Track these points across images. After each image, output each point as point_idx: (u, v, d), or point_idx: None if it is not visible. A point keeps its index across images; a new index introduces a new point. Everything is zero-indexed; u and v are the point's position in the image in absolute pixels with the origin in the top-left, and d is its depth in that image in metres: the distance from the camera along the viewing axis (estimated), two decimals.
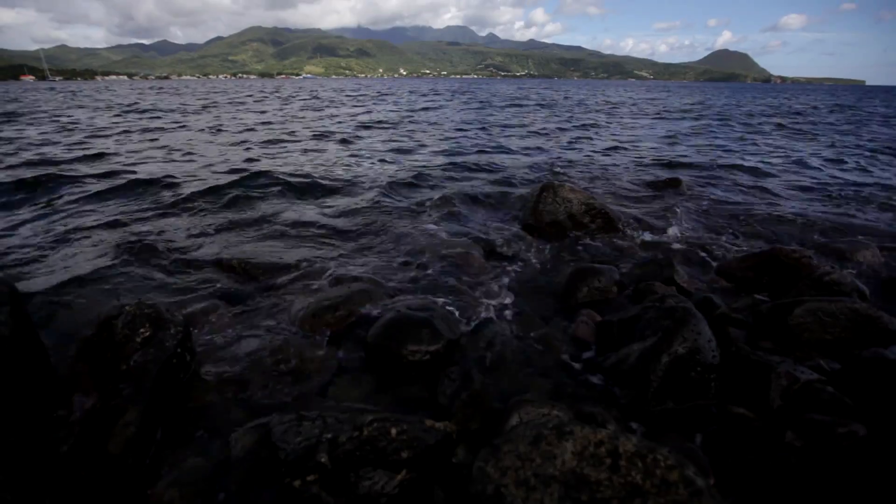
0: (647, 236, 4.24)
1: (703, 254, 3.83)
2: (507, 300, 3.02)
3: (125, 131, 11.83)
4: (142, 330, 2.26)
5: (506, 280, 3.29)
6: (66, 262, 3.55)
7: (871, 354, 2.12)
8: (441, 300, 2.93)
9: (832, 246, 3.91)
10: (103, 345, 2.16)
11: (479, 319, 2.76)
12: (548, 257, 3.72)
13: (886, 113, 22.03)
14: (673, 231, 4.38)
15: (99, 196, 5.43)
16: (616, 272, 3.36)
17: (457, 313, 2.78)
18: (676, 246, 4.00)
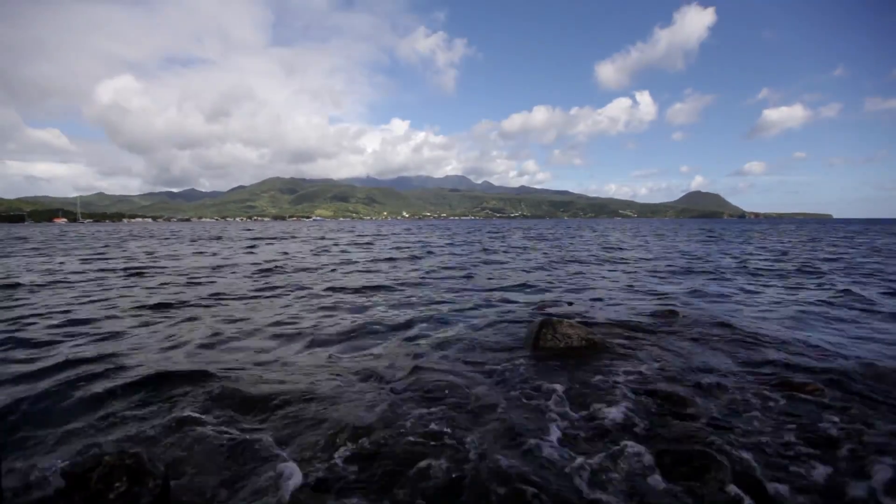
0: (652, 372, 4.14)
1: (705, 385, 3.70)
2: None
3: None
4: (117, 484, 2.10)
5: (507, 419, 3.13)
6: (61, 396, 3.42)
7: None
8: (445, 431, 2.78)
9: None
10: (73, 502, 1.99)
11: (478, 455, 2.56)
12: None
13: None
14: (674, 362, 4.30)
15: (90, 324, 5.48)
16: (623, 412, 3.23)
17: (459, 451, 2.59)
18: (678, 377, 3.90)
